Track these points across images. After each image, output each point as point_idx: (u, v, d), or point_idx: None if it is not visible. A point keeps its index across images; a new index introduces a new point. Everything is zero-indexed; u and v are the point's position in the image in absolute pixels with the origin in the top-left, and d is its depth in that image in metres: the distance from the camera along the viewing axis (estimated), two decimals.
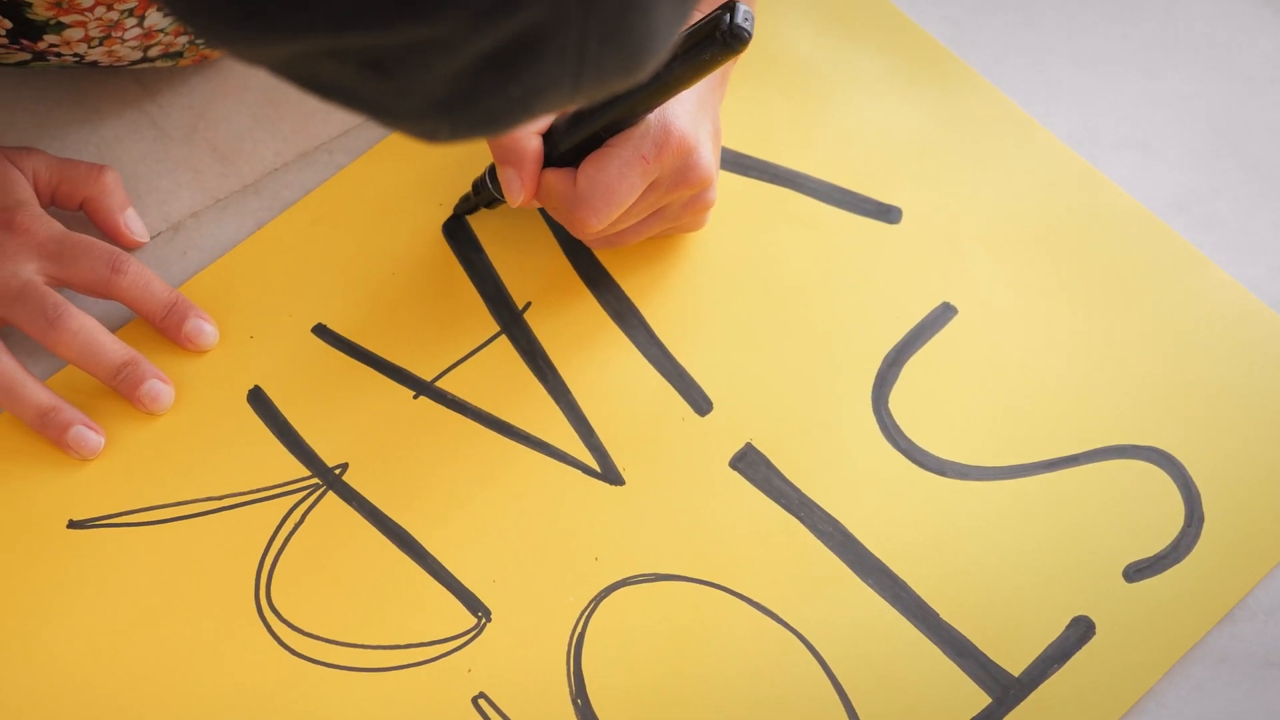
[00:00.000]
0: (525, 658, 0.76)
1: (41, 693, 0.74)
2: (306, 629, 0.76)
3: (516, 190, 0.79)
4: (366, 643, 0.76)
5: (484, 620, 0.76)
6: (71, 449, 0.79)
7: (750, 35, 0.72)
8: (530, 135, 0.78)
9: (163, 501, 0.79)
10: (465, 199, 0.85)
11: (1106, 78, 0.91)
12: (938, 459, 0.80)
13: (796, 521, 0.79)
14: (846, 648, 0.76)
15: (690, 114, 0.77)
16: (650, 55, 0.48)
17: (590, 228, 0.77)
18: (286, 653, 0.75)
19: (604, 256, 0.85)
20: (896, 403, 0.82)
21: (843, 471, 0.80)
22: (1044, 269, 0.85)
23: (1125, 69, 0.92)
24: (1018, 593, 0.77)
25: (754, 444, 0.81)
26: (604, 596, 0.77)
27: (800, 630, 0.76)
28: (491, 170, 0.82)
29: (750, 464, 0.80)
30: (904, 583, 0.77)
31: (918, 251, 0.86)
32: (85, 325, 0.79)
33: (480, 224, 0.85)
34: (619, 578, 0.77)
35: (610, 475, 0.80)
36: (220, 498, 0.79)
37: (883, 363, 0.83)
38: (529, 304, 0.84)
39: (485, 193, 0.84)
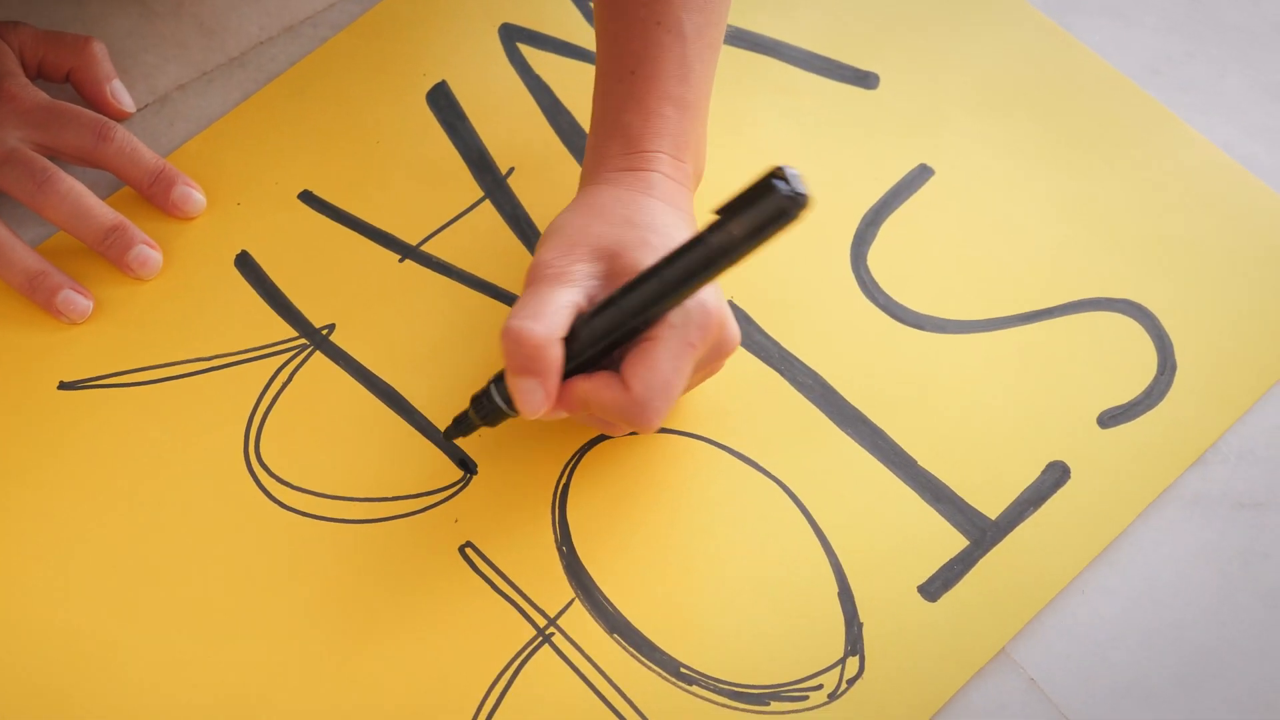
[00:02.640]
0: (511, 508, 0.77)
1: (32, 548, 0.75)
2: (296, 483, 0.77)
3: (539, 402, 0.70)
4: (354, 495, 0.77)
5: (470, 474, 0.77)
6: (61, 313, 0.80)
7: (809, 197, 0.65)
8: (552, 342, 0.70)
9: (152, 363, 0.80)
10: (462, 419, 0.75)
11: None
12: (915, 313, 0.81)
13: (776, 374, 0.80)
14: (827, 495, 0.77)
15: (712, 284, 0.71)
16: None
17: (653, 427, 0.71)
18: (276, 506, 0.76)
19: (587, 123, 0.86)
20: (875, 260, 0.83)
21: (822, 326, 0.81)
22: (1021, 132, 0.86)
23: None
24: (994, 440, 0.78)
25: (734, 300, 0.82)
26: (587, 449, 0.78)
27: (781, 478, 0.77)
28: (497, 382, 0.74)
29: None
30: (882, 431, 0.78)
31: (895, 116, 0.87)
32: (74, 189, 0.80)
33: (464, 93, 0.86)
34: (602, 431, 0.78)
35: None
36: (209, 358, 0.80)
37: (861, 222, 0.84)
38: (512, 169, 0.85)
39: (489, 407, 0.74)
